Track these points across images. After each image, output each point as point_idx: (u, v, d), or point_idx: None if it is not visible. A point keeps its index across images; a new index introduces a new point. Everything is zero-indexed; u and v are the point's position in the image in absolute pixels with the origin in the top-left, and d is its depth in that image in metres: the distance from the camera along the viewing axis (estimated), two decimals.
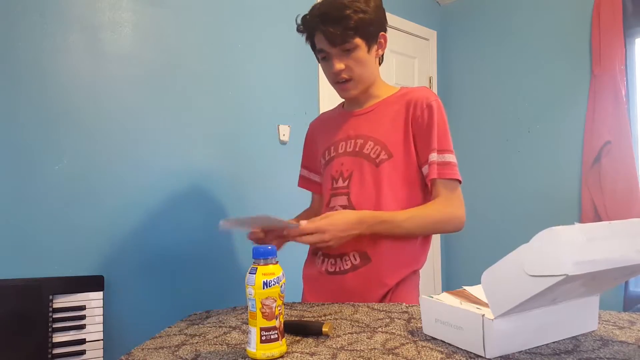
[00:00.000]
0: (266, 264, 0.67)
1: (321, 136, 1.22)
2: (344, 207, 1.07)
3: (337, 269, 1.07)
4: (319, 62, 1.15)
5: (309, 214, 1.29)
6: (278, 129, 2.05)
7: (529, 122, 2.60)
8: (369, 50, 1.06)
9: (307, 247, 1.23)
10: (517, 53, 2.66)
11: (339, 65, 1.05)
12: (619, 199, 2.15)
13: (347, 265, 1.06)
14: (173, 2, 1.70)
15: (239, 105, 1.91)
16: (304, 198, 1.38)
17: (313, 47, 1.12)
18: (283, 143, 2.07)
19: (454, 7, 3.02)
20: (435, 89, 2.96)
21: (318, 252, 1.13)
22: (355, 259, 1.06)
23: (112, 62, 1.54)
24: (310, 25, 1.07)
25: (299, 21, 1.10)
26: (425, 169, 1.05)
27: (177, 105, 1.71)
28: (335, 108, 1.27)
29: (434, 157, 1.02)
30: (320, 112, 2.22)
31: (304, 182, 1.31)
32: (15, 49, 1.35)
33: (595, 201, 2.24)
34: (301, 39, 1.16)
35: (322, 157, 1.18)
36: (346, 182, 1.08)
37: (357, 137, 1.11)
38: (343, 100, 1.22)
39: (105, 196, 1.50)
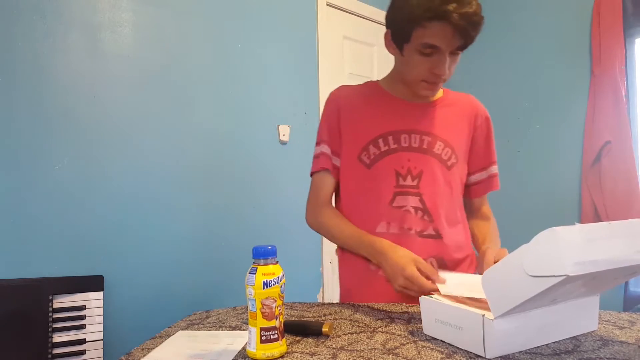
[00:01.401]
0: (266, 264, 0.67)
1: (359, 117, 1.05)
2: (417, 209, 1.00)
3: None
4: (398, 51, 1.00)
5: (356, 230, 1.03)
6: (278, 129, 2.05)
7: (529, 122, 2.60)
8: None
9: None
10: (517, 53, 2.66)
11: (447, 69, 0.96)
12: (619, 199, 2.15)
13: None
14: (173, 2, 1.70)
15: (239, 105, 1.91)
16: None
17: (406, 35, 0.95)
18: (283, 143, 2.07)
19: None
20: None
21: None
22: (433, 266, 1.00)
23: (112, 62, 1.54)
24: (434, 15, 0.89)
25: (415, 2, 0.91)
26: (476, 178, 1.12)
27: (176, 105, 1.71)
28: (366, 86, 1.11)
29: (495, 169, 1.13)
30: (320, 112, 2.22)
31: (327, 162, 1.07)
32: (15, 49, 1.35)
33: (595, 201, 2.24)
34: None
35: (371, 143, 1.03)
36: (415, 181, 1.01)
37: (422, 133, 1.03)
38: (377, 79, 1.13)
39: (105, 196, 1.50)
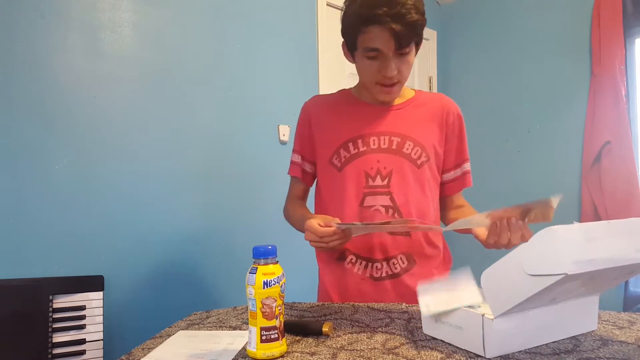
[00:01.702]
0: (266, 264, 0.67)
1: (329, 123, 1.11)
2: (387, 207, 1.03)
3: (384, 274, 1.03)
4: (352, 59, 1.06)
5: (305, 211, 1.14)
6: (278, 129, 2.05)
7: (529, 122, 2.60)
8: (415, 53, 1.03)
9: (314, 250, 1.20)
10: (517, 53, 2.66)
11: (395, 70, 0.99)
12: (619, 199, 2.15)
13: (396, 269, 1.04)
14: (173, 2, 1.70)
15: (239, 105, 1.91)
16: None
17: (353, 42, 1.01)
18: (283, 143, 2.07)
19: (454, 7, 3.02)
20: (435, 89, 2.96)
21: (348, 257, 1.06)
22: (404, 262, 1.04)
23: (112, 62, 1.54)
24: (368, 20, 0.94)
25: (351, 11, 0.97)
26: (450, 175, 1.12)
27: (176, 105, 1.71)
28: (339, 94, 1.17)
29: (468, 166, 1.12)
30: None
31: (297, 169, 1.16)
32: (15, 49, 1.35)
33: (595, 201, 2.24)
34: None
35: (341, 147, 1.07)
36: (386, 181, 1.03)
37: (391, 134, 1.05)
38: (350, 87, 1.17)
39: (105, 196, 1.50)
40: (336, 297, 1.08)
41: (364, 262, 1.05)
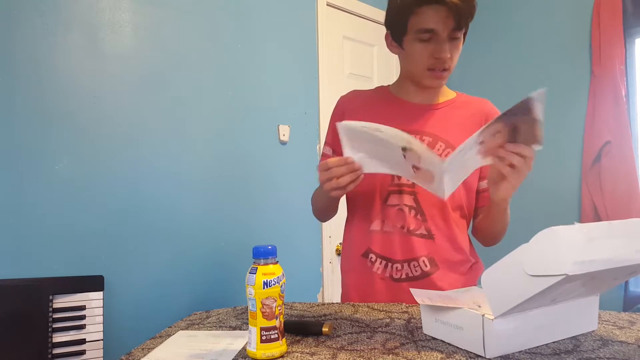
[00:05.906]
0: (266, 264, 0.67)
1: (360, 118, 1.08)
2: (410, 207, 1.00)
3: (404, 275, 1.01)
4: (398, 48, 1.02)
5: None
6: (278, 129, 2.05)
7: None
8: (462, 42, 0.98)
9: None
10: (517, 53, 2.66)
11: (448, 52, 0.95)
12: (619, 199, 2.15)
13: (416, 271, 1.00)
14: (173, 2, 1.70)
15: (239, 105, 1.91)
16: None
17: (403, 27, 0.97)
18: (283, 143, 2.07)
19: None
20: None
21: (370, 254, 1.04)
22: (426, 265, 1.00)
23: (112, 62, 1.54)
24: (423, 0, 0.92)
25: None
26: (485, 184, 1.05)
27: (177, 106, 1.71)
28: (375, 90, 1.14)
29: None
30: (320, 112, 2.22)
31: None
32: (15, 49, 1.35)
33: (595, 201, 2.24)
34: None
35: None
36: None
37: (423, 134, 1.01)
38: (387, 84, 1.14)
39: (105, 196, 1.50)
40: (355, 294, 1.06)
41: (384, 262, 1.02)
